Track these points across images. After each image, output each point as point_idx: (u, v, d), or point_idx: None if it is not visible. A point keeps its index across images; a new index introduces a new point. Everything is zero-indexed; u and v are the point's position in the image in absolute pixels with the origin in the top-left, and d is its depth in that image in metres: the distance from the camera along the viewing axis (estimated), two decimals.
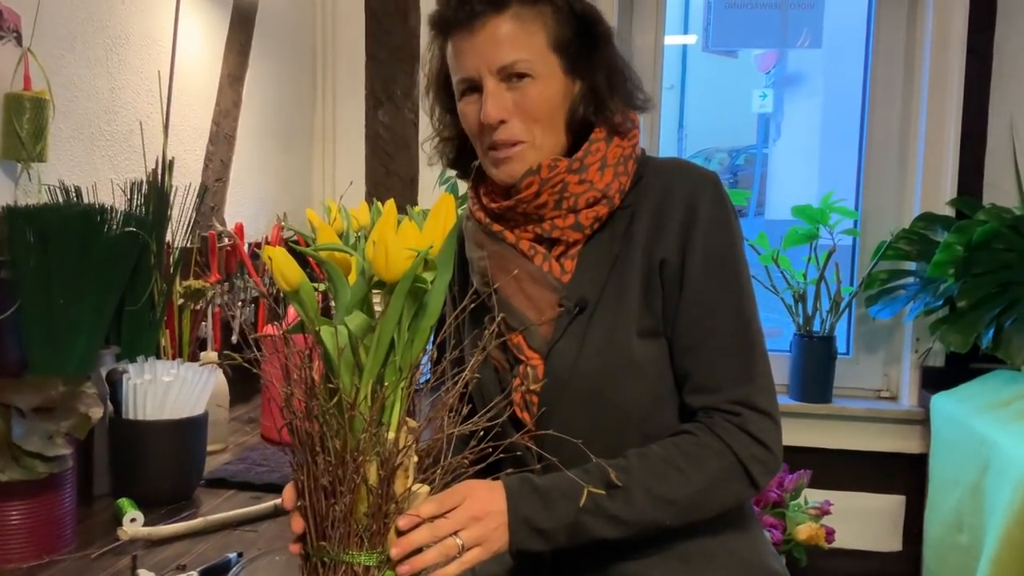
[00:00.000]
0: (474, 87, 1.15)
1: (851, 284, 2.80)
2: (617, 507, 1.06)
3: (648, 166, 1.19)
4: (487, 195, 1.22)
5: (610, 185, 1.15)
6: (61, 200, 1.44)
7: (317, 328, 0.93)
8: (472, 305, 1.10)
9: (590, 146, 1.16)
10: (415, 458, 0.96)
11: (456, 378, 0.98)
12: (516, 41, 1.12)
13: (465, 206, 2.22)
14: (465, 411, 0.97)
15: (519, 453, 1.10)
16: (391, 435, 0.92)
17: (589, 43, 1.16)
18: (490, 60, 1.12)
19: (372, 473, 0.91)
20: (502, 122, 1.13)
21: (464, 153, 1.26)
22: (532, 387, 1.15)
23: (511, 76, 1.12)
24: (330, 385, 0.92)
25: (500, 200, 1.19)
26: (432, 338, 1.00)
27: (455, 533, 0.98)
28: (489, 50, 1.12)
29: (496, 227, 1.20)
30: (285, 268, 0.93)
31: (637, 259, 1.14)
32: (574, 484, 1.03)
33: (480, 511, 1.01)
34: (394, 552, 0.93)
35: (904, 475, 2.70)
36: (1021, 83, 2.58)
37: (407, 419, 0.95)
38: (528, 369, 1.15)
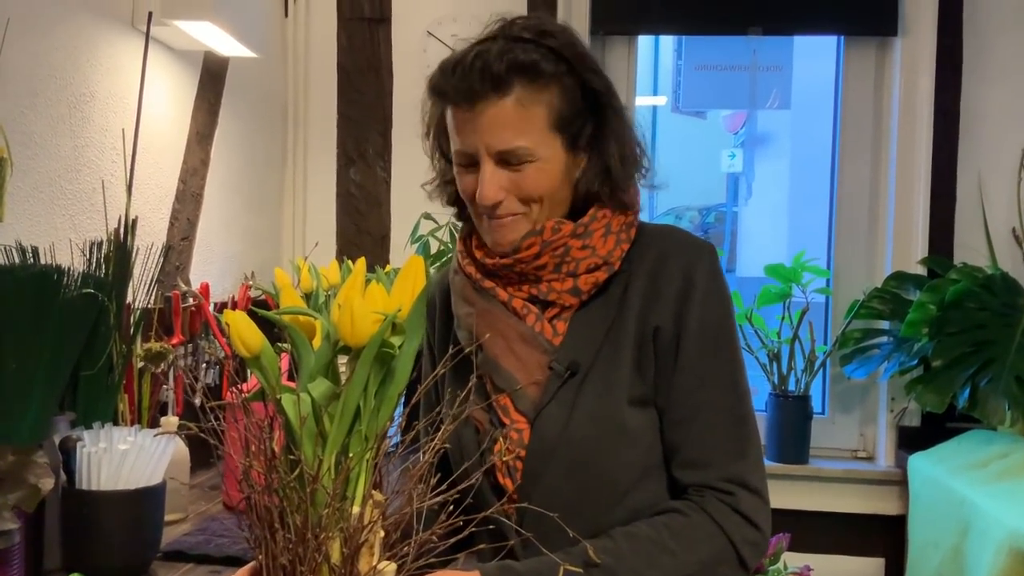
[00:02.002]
0: (470, 161, 1.11)
1: (825, 343, 2.79)
2: (606, 564, 1.01)
3: (644, 231, 1.17)
4: (480, 249, 1.18)
5: (612, 252, 1.12)
6: (16, 260, 1.39)
7: (278, 396, 0.89)
8: (452, 364, 1.06)
9: (596, 212, 1.13)
10: (381, 533, 0.91)
11: (429, 443, 0.93)
12: (516, 127, 1.08)
13: (443, 261, 2.18)
14: (433, 481, 0.92)
15: (492, 527, 1.05)
16: (355, 509, 0.87)
17: (599, 119, 1.13)
18: (488, 143, 1.08)
19: (335, 551, 0.86)
20: (499, 202, 1.10)
21: (459, 199, 1.21)
22: (517, 453, 1.10)
23: (510, 160, 1.09)
24: (291, 457, 0.87)
25: (496, 256, 1.15)
26: (405, 399, 0.96)
27: None
28: (488, 133, 1.08)
29: (488, 283, 1.16)
30: (245, 333, 0.89)
31: (631, 326, 1.11)
32: (556, 568, 0.98)
33: None
34: None
35: (883, 537, 2.66)
36: (988, 142, 2.61)
37: (373, 492, 0.91)
38: (513, 433, 1.11)
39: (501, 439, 1.11)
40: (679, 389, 1.09)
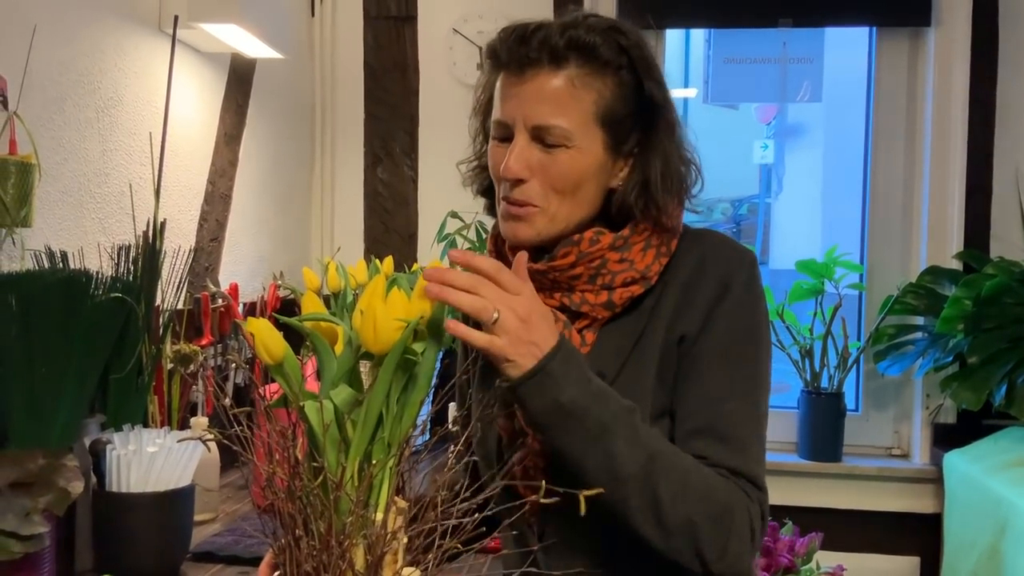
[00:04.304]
0: (507, 133, 1.07)
1: (858, 339, 2.75)
2: (642, 434, 0.97)
3: (685, 235, 1.12)
4: (512, 252, 1.12)
5: (650, 267, 1.07)
6: (46, 266, 1.40)
7: (301, 403, 0.88)
8: (478, 367, 1.04)
9: (636, 225, 1.08)
10: (405, 539, 0.90)
11: (456, 449, 0.93)
12: (561, 105, 1.03)
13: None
14: (462, 485, 0.91)
15: (516, 532, 1.04)
16: (379, 516, 0.87)
17: (649, 129, 1.08)
18: (528, 115, 1.04)
19: (359, 558, 0.86)
20: (521, 180, 1.05)
21: (493, 187, 1.17)
22: (537, 463, 1.08)
23: (545, 139, 1.04)
24: (314, 464, 0.87)
25: (531, 262, 1.09)
26: (431, 401, 0.95)
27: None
28: (530, 104, 1.04)
29: None
30: (268, 341, 0.89)
31: (658, 336, 1.07)
32: (617, 402, 0.97)
33: (527, 316, 0.94)
34: (427, 273, 0.89)
35: (918, 536, 2.62)
36: None
37: (396, 498, 0.90)
38: (535, 443, 1.07)
39: (523, 448, 1.09)
40: (695, 400, 1.05)
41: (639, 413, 0.99)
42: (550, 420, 0.96)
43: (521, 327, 0.94)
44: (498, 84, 1.08)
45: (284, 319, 0.94)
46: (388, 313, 0.88)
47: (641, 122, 1.07)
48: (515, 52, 1.04)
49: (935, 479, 2.56)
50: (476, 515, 0.91)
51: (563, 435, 0.97)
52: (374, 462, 0.88)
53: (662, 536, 0.98)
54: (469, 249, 2.39)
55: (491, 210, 1.20)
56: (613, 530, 1.02)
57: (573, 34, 1.03)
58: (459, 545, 0.89)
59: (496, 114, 1.08)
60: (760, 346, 1.07)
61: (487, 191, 1.19)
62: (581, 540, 0.97)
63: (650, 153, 1.07)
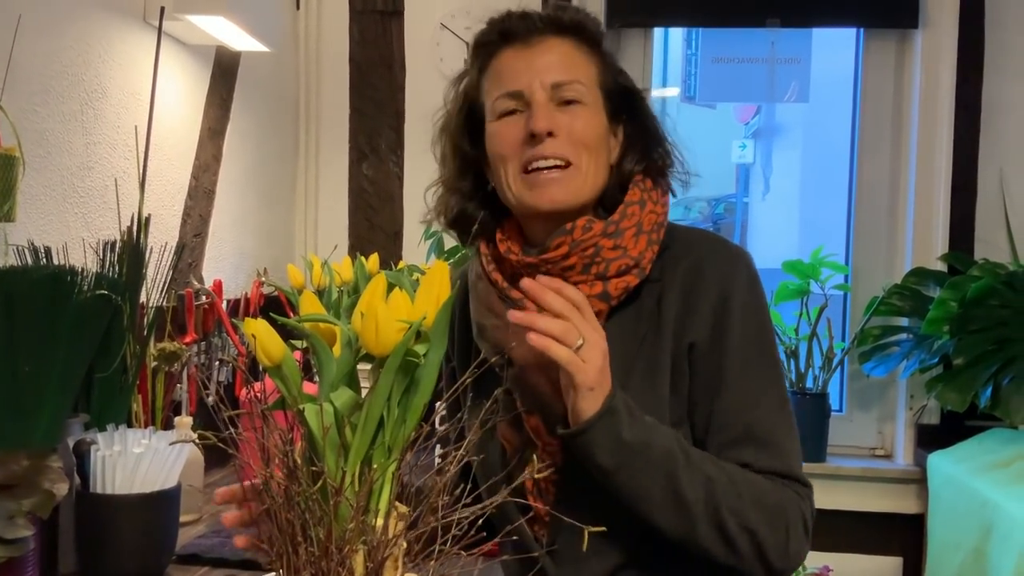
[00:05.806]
0: (516, 106, 1.09)
1: (843, 340, 2.76)
2: (694, 456, 1.01)
3: (675, 236, 1.13)
4: (504, 243, 1.12)
5: (643, 253, 1.08)
6: (29, 261, 1.37)
7: (301, 406, 0.86)
8: (475, 376, 1.02)
9: (626, 209, 1.09)
10: (404, 545, 0.88)
11: (455, 456, 0.91)
12: (574, 63, 1.10)
13: (457, 259, 2.13)
14: (457, 492, 0.89)
15: (515, 538, 1.02)
16: (379, 522, 0.85)
17: (628, 100, 1.15)
18: (545, 74, 1.08)
19: (359, 564, 0.84)
20: (551, 134, 1.06)
21: (467, 213, 1.16)
22: (549, 476, 1.06)
23: (562, 99, 1.08)
24: (313, 468, 0.85)
25: (520, 253, 1.10)
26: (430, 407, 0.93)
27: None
28: (546, 64, 1.08)
29: (515, 294, 1.10)
30: (267, 343, 0.86)
31: (667, 342, 1.07)
32: (665, 430, 1.02)
33: (607, 352, 0.99)
34: (527, 285, 0.98)
35: (901, 536, 2.64)
36: (1010, 136, 2.58)
37: (396, 504, 0.88)
38: (545, 456, 1.05)
39: (535, 458, 1.06)
40: (726, 412, 1.05)
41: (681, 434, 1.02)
42: (616, 459, 0.98)
43: (604, 361, 0.98)
44: (495, 66, 1.11)
45: (282, 320, 0.92)
46: (390, 314, 0.86)
47: (623, 101, 1.14)
48: (521, 25, 1.10)
49: (918, 479, 2.58)
50: (478, 521, 0.89)
51: (631, 472, 0.99)
52: (374, 467, 0.86)
53: (729, 551, 1.00)
54: (454, 247, 2.37)
55: (462, 240, 1.19)
56: (623, 542, 1.00)
57: (568, 13, 1.13)
58: (462, 552, 0.87)
59: (505, 88, 1.09)
60: (772, 343, 1.10)
61: (458, 219, 1.18)
62: (595, 551, 0.96)
63: (635, 125, 1.15)
